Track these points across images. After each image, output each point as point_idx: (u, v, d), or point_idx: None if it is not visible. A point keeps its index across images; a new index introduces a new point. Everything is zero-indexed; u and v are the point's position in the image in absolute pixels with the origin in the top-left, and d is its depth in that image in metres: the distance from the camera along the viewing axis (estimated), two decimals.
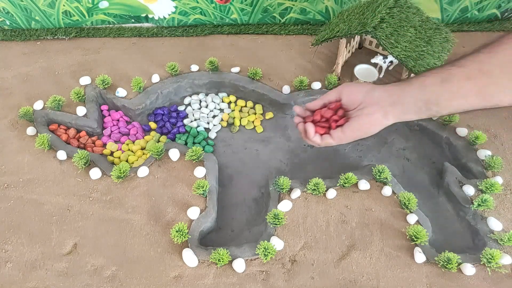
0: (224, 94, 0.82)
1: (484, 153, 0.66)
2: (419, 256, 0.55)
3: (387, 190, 0.61)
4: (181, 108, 0.80)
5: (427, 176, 0.70)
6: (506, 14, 0.90)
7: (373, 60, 0.76)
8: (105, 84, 0.77)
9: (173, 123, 0.78)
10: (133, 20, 0.94)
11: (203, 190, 0.60)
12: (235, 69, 0.81)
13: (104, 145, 0.73)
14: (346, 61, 0.82)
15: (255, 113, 0.79)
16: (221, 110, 0.80)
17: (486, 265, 0.54)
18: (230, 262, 0.55)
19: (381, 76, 0.79)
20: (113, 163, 0.69)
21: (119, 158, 0.71)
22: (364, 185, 0.62)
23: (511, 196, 0.62)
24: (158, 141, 0.74)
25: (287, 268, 0.55)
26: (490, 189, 0.60)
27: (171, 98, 0.81)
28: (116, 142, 0.74)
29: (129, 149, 0.73)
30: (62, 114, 0.73)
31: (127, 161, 0.71)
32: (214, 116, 0.80)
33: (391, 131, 0.75)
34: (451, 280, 0.53)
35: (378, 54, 0.79)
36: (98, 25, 0.94)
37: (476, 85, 0.48)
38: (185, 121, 0.78)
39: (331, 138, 0.56)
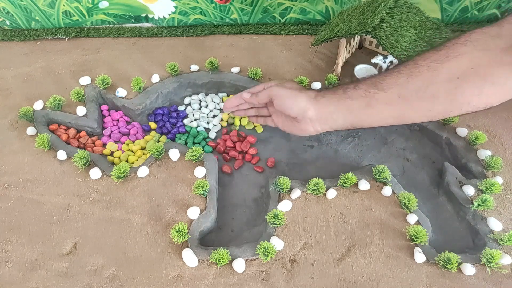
0: (224, 94, 0.82)
1: (484, 153, 0.66)
2: (419, 256, 0.55)
3: (387, 190, 0.61)
4: (181, 108, 0.80)
5: (427, 176, 0.70)
6: (506, 14, 0.90)
7: (373, 60, 0.76)
8: (105, 84, 0.77)
9: (173, 123, 0.78)
10: (133, 20, 0.94)
11: (203, 190, 0.60)
12: (235, 69, 0.81)
13: (104, 145, 0.73)
14: (346, 61, 0.82)
15: None
16: (221, 110, 0.80)
17: (486, 265, 0.54)
18: (230, 262, 0.55)
19: None
20: (113, 163, 0.69)
21: (119, 158, 0.71)
22: (364, 185, 0.62)
23: (511, 196, 0.62)
24: (158, 141, 0.74)
25: (287, 268, 0.55)
26: (490, 189, 0.60)
27: (171, 98, 0.81)
28: (116, 142, 0.74)
29: (129, 149, 0.73)
30: (62, 114, 0.73)
31: (127, 161, 0.71)
32: (214, 116, 0.80)
33: (391, 131, 0.75)
34: (451, 280, 0.53)
35: (378, 54, 0.79)
36: (98, 25, 0.94)
37: (395, 110, 0.55)
38: (185, 121, 0.78)
39: (268, 122, 0.68)
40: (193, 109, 0.80)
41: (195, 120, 0.79)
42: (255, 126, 0.77)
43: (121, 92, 0.76)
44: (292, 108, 0.60)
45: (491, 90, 0.51)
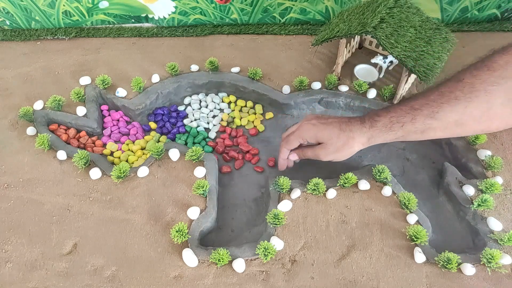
0: (224, 94, 0.82)
1: (484, 153, 0.66)
2: (419, 256, 0.55)
3: (387, 190, 0.61)
4: (181, 108, 0.80)
5: (427, 176, 0.70)
6: (506, 14, 0.90)
7: (373, 60, 0.76)
8: (105, 84, 0.77)
9: (173, 123, 0.78)
10: (133, 20, 0.94)
11: (203, 190, 0.60)
12: (235, 69, 0.81)
13: (104, 145, 0.73)
14: (346, 61, 0.82)
15: (255, 113, 0.79)
16: (221, 110, 0.80)
17: (486, 265, 0.54)
18: (230, 262, 0.55)
19: (381, 76, 0.79)
20: (113, 163, 0.69)
21: (119, 158, 0.71)
22: (364, 185, 0.62)
23: (511, 196, 0.62)
24: (158, 141, 0.74)
25: (287, 268, 0.55)
26: (490, 189, 0.60)
27: (171, 98, 0.81)
28: (116, 142, 0.74)
29: (129, 149, 0.73)
30: (62, 114, 0.73)
31: (127, 161, 0.71)
32: (214, 116, 0.80)
33: None
34: (451, 280, 0.53)
35: (378, 54, 0.79)
36: (98, 25, 0.94)
37: (449, 133, 0.55)
38: (185, 121, 0.78)
39: (303, 156, 0.65)
40: (193, 109, 0.80)
41: (195, 120, 0.79)
42: (255, 126, 0.77)
43: (121, 92, 0.76)
44: (344, 157, 0.62)
45: None
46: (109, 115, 0.77)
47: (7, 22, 0.91)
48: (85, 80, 0.78)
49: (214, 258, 0.54)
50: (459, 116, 0.53)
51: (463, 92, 0.52)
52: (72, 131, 0.72)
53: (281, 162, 0.66)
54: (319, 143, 0.61)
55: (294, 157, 0.65)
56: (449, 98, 0.53)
